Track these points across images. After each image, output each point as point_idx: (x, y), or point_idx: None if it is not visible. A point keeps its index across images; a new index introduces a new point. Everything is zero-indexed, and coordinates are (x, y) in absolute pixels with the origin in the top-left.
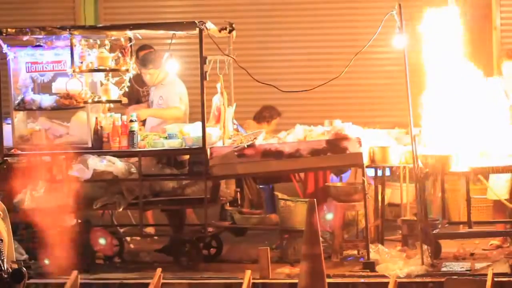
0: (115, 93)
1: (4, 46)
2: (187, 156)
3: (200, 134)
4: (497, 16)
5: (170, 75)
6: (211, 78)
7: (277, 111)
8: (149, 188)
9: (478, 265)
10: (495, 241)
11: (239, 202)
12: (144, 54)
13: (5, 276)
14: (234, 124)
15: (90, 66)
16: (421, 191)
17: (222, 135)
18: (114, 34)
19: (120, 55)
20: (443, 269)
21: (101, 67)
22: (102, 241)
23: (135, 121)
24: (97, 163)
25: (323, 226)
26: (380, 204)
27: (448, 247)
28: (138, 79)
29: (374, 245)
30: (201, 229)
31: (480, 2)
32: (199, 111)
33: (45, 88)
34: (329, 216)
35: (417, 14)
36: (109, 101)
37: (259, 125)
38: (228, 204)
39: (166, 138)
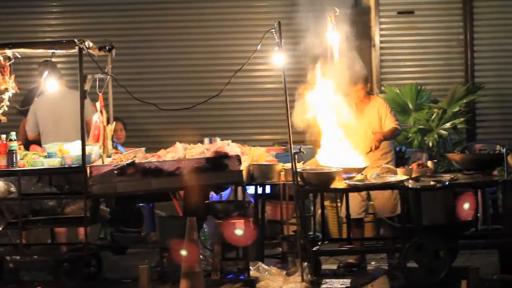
0: None
1: None
2: None
3: (80, 153)
4: (376, 34)
5: (57, 88)
6: (91, 97)
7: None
8: (29, 207)
9: (358, 282)
10: (351, 260)
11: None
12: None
13: None
14: (114, 142)
15: None
16: (301, 208)
17: (102, 153)
18: None
19: None
20: (323, 286)
21: None
22: None
23: (15, 140)
24: None
25: (203, 243)
26: (260, 221)
27: (328, 263)
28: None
29: (254, 263)
30: (80, 248)
31: (360, 20)
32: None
33: None
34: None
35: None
36: None
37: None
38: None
39: (45, 157)
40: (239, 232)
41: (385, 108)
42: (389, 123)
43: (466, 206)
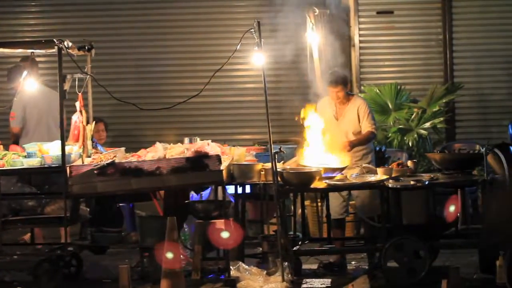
0: None
1: None
2: None
3: (60, 153)
4: (356, 34)
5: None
6: (70, 97)
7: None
8: (9, 207)
9: (339, 282)
10: (332, 259)
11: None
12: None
13: None
14: (93, 142)
15: None
16: (281, 208)
17: (82, 153)
18: None
19: None
20: (304, 285)
21: None
22: None
23: None
24: None
25: (183, 243)
26: (240, 221)
27: (308, 263)
28: None
29: (234, 263)
30: (60, 248)
31: (339, 20)
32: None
33: None
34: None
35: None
36: None
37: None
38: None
39: (25, 156)
40: (224, 234)
41: (364, 109)
42: (365, 127)
43: (449, 207)
